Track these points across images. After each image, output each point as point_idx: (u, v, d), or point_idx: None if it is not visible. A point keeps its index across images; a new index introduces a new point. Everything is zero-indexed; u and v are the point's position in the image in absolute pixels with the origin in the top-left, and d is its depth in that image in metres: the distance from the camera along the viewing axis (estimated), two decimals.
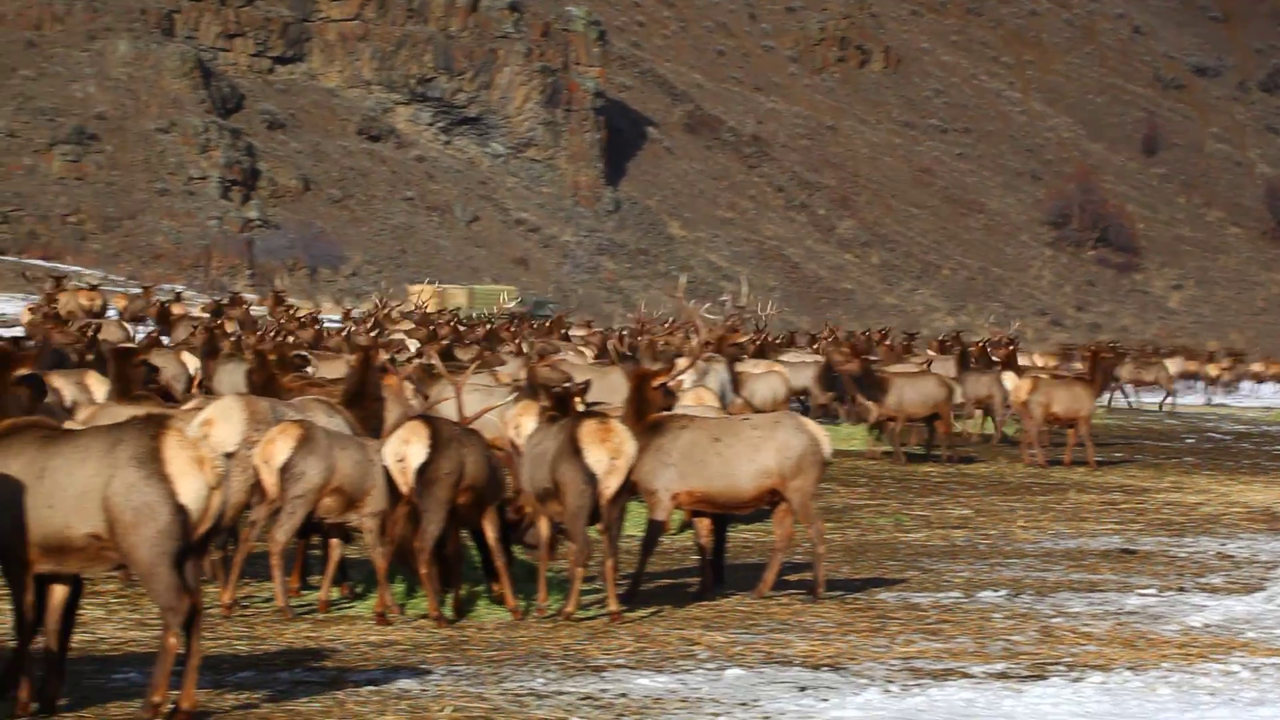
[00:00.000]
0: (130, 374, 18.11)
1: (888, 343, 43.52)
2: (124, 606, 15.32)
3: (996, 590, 17.33)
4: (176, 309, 46.08)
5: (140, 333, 40.25)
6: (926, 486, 27.88)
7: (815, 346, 42.86)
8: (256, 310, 48.34)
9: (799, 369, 36.04)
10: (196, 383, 28.02)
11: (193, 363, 28.29)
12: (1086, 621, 15.57)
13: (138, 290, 55.46)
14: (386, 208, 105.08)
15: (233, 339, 32.19)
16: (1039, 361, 40.69)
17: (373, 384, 17.37)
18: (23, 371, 11.44)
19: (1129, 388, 53.90)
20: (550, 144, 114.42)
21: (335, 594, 15.67)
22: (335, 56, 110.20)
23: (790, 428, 16.19)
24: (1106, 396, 52.66)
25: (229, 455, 14.62)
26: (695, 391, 21.43)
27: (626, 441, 15.00)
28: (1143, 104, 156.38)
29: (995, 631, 14.98)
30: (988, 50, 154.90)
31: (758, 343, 38.05)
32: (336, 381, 19.90)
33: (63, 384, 20.11)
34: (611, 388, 23.73)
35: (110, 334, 34.97)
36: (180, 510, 10.68)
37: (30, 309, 43.29)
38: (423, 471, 14.57)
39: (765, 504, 16.34)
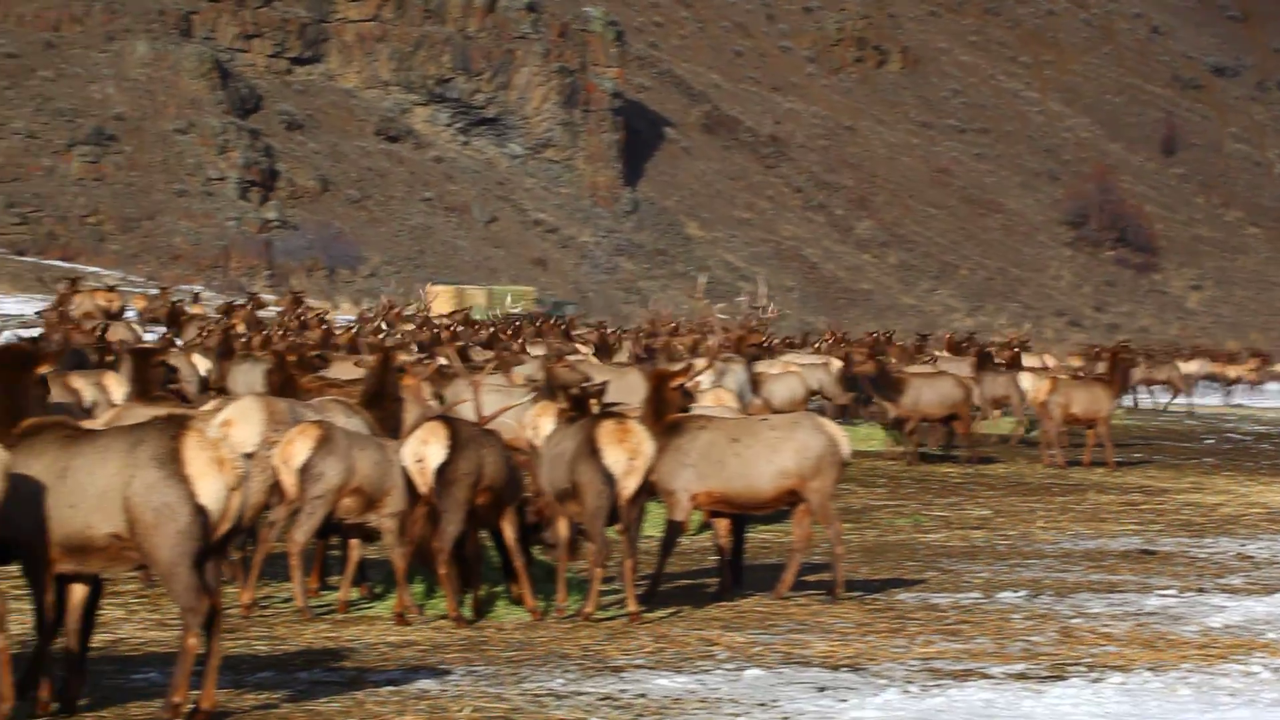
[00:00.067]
0: (149, 375, 18.14)
1: (899, 343, 43.52)
2: (144, 607, 15.35)
3: (1016, 591, 17.31)
4: (195, 309, 46.15)
5: (150, 334, 40.33)
6: (945, 487, 27.86)
7: (815, 347, 42.86)
8: (266, 312, 48.33)
9: (808, 370, 36.03)
10: (215, 382, 28.09)
11: (203, 364, 28.34)
12: (1106, 622, 15.55)
13: (156, 291, 55.56)
14: (405, 208, 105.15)
15: (241, 340, 32.27)
16: (1049, 363, 40.63)
17: (391, 384, 17.39)
18: (44, 370, 11.46)
19: (1140, 388, 53.81)
20: (568, 144, 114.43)
21: (354, 594, 15.68)
22: (353, 57, 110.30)
23: (809, 428, 16.18)
24: (1130, 399, 52.67)
25: (248, 456, 14.63)
26: (714, 392, 21.44)
27: (644, 442, 15.00)
28: (1161, 104, 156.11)
29: (1015, 632, 14.96)
30: (1005, 50, 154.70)
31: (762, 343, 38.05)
32: (354, 382, 19.91)
33: (82, 384, 20.15)
34: (629, 388, 23.73)
35: (119, 336, 34.99)
36: (200, 511, 10.70)
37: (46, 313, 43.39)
38: (441, 472, 14.57)
39: (784, 504, 16.33)
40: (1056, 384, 31.44)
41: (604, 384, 17.61)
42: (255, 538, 15.48)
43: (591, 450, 14.90)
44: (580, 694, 12.13)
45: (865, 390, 32.83)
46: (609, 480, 14.90)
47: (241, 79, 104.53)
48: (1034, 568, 19.21)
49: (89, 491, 10.74)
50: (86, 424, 12.62)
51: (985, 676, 12.96)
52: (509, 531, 15.08)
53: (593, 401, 16.07)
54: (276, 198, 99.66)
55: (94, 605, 11.26)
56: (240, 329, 37.01)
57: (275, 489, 15.03)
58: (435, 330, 38.99)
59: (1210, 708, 12.16)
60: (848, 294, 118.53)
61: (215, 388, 28.02)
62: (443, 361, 24.95)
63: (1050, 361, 40.77)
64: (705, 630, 14.73)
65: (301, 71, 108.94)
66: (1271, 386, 66.92)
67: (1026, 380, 35.00)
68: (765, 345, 37.78)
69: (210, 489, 10.72)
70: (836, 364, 35.11)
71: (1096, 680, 12.87)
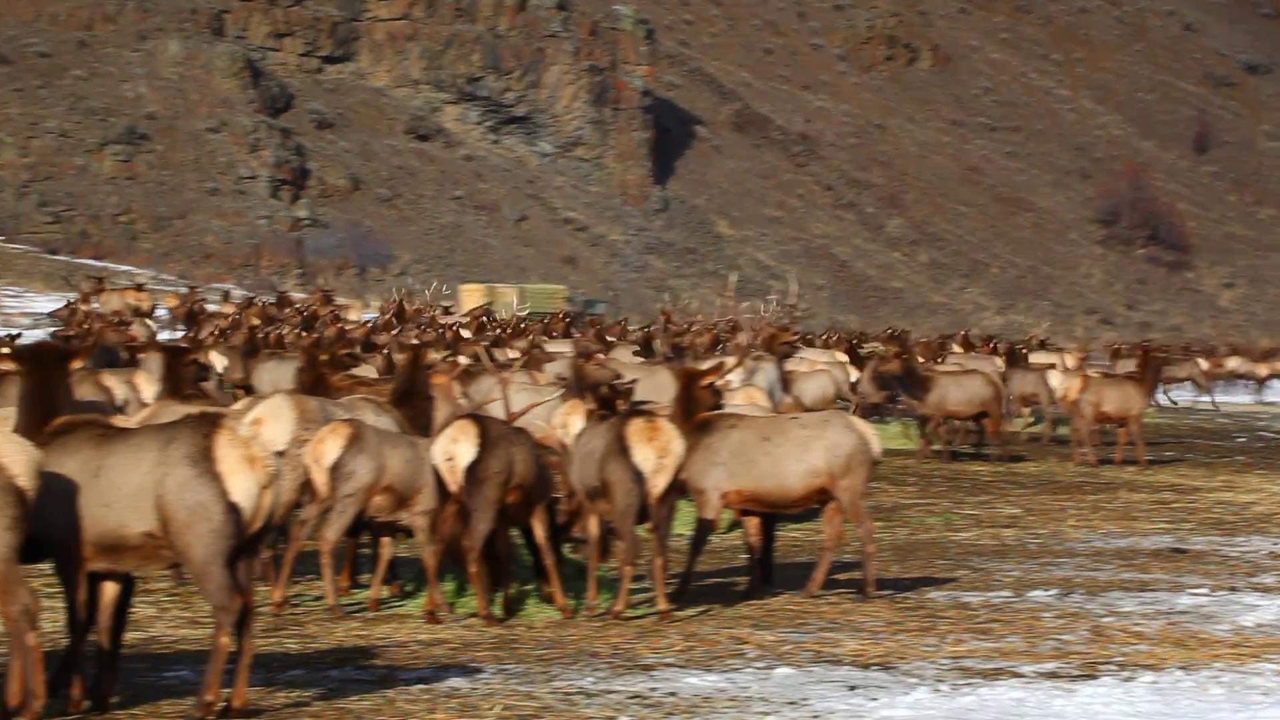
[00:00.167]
0: (181, 373, 18.19)
1: (922, 340, 43.56)
2: (176, 605, 15.39)
3: (1047, 589, 17.27)
4: (227, 307, 46.29)
5: (162, 333, 40.50)
6: (976, 485, 27.82)
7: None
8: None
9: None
10: (229, 378, 28.22)
11: (220, 361, 28.44)
12: (1138, 621, 15.51)
13: (185, 290, 55.75)
14: (435, 207, 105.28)
15: (260, 336, 32.42)
16: (1069, 362, 40.52)
17: (421, 383, 17.41)
18: (75, 367, 11.50)
19: (1159, 386, 53.65)
20: (598, 143, 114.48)
21: (385, 592, 15.71)
22: (384, 56, 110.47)
23: (839, 426, 16.16)
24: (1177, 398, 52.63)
25: (279, 454, 14.67)
26: (745, 390, 21.42)
27: (674, 440, 15.00)
28: (1193, 101, 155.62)
29: (1046, 631, 14.93)
30: (1037, 48, 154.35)
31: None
32: (385, 380, 19.94)
33: (113, 382, 20.21)
34: (659, 387, 23.72)
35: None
36: (233, 509, 10.72)
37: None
38: (472, 470, 14.58)
39: (814, 503, 16.32)
40: (1088, 382, 31.38)
41: (632, 382, 17.62)
42: (286, 536, 15.51)
43: (621, 448, 14.90)
44: (610, 692, 12.13)
45: (896, 389, 32.92)
46: (638, 478, 14.90)
47: (273, 78, 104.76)
48: (1065, 566, 19.17)
49: (123, 490, 10.77)
50: (118, 421, 12.66)
51: (1016, 675, 12.94)
52: (539, 530, 15.09)
53: (619, 400, 16.06)
54: (307, 196, 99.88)
55: (126, 603, 11.29)
56: (255, 324, 37.10)
57: (306, 487, 15.06)
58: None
59: (1242, 707, 12.12)
60: (878, 292, 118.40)
61: (234, 385, 28.16)
62: (464, 360, 24.98)
63: (1070, 361, 40.63)
64: (735, 628, 14.73)
65: (332, 70, 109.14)
66: None
67: (1055, 378, 34.96)
68: (796, 343, 37.84)
69: (242, 487, 10.74)
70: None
71: (1128, 679, 12.84)
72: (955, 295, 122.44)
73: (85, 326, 36.89)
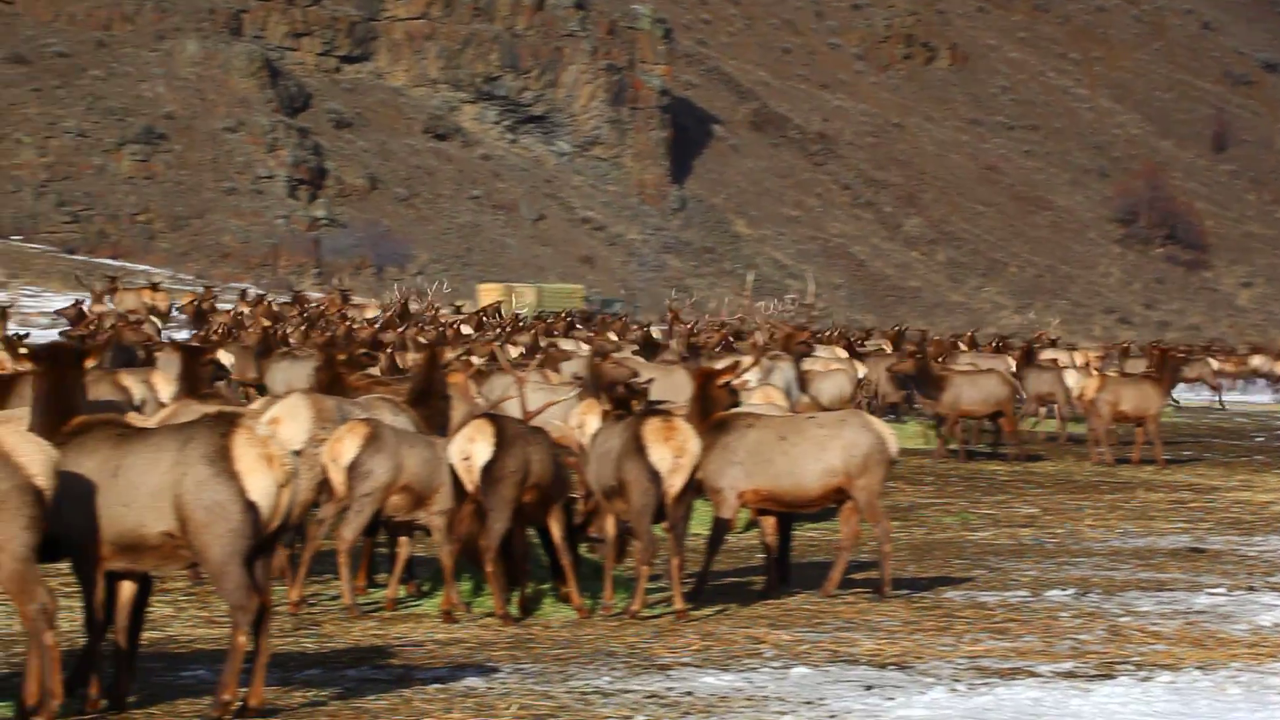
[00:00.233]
0: (199, 372, 18.21)
1: (937, 338, 43.58)
2: (193, 604, 15.42)
3: (1064, 589, 17.25)
4: (244, 307, 46.34)
5: (181, 334, 40.56)
6: (993, 485, 27.79)
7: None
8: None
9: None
10: (239, 377, 28.27)
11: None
12: (1155, 620, 15.49)
13: (203, 289, 55.82)
14: (453, 206, 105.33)
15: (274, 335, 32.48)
16: (1078, 360, 40.43)
17: (438, 382, 17.42)
18: (90, 365, 11.52)
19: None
20: (616, 142, 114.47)
21: (402, 592, 15.72)
22: (402, 55, 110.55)
23: (856, 426, 16.15)
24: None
25: (296, 453, 14.69)
26: (762, 390, 21.42)
27: (690, 440, 15.00)
28: (1212, 100, 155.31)
29: (1063, 630, 14.92)
30: (1055, 47, 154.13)
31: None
32: (402, 379, 19.94)
33: (131, 382, 20.24)
34: (675, 387, 23.73)
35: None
36: (250, 508, 10.74)
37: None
38: (488, 470, 14.59)
39: (831, 502, 16.31)
40: (1105, 382, 31.35)
41: (649, 381, 17.61)
42: (304, 535, 15.53)
43: (637, 448, 14.90)
44: (627, 692, 12.13)
45: (910, 388, 32.94)
46: (655, 478, 14.90)
47: (291, 77, 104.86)
48: (1082, 566, 19.15)
49: (141, 490, 10.79)
50: (134, 420, 12.69)
51: (1033, 675, 12.93)
52: (556, 529, 15.09)
53: (635, 400, 16.06)
54: (325, 196, 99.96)
55: (143, 603, 11.31)
56: (267, 324, 37.15)
57: (324, 486, 15.08)
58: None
59: (1260, 707, 12.10)
60: (896, 291, 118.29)
61: (245, 384, 28.21)
62: (476, 359, 24.98)
63: (1079, 360, 40.56)
64: (752, 628, 14.73)
65: (350, 70, 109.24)
66: None
67: (1072, 378, 34.92)
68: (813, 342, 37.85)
69: (260, 486, 10.76)
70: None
71: (1145, 679, 12.82)
72: (973, 294, 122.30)
73: (93, 325, 36.94)
